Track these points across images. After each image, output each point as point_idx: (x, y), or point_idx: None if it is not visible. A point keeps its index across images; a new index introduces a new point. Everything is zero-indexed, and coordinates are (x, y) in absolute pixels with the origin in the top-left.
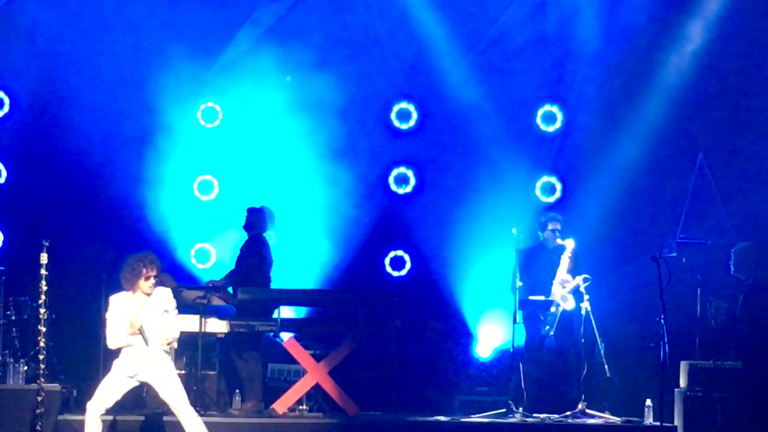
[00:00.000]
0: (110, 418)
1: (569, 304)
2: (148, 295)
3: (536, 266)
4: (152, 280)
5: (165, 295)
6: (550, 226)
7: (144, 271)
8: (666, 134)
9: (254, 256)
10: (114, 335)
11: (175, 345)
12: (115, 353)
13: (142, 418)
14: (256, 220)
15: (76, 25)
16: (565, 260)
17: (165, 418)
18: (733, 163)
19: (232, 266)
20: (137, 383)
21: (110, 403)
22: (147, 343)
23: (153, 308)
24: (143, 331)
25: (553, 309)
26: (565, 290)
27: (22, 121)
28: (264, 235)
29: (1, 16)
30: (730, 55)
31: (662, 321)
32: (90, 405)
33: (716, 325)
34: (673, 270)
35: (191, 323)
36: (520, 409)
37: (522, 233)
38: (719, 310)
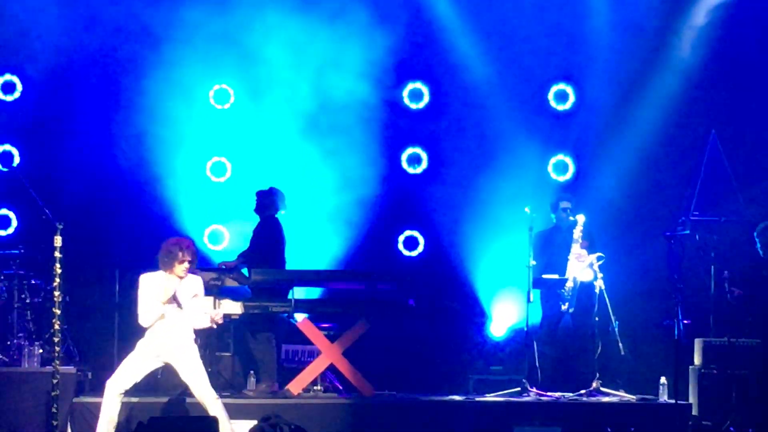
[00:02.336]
0: (132, 400)
1: (587, 276)
2: (181, 278)
3: (552, 247)
4: (186, 265)
5: (196, 282)
6: (561, 206)
7: (180, 254)
8: (678, 112)
9: (267, 238)
10: (146, 311)
11: (220, 321)
12: (133, 334)
13: (165, 400)
14: (266, 202)
15: (87, 7)
16: (577, 234)
17: (188, 400)
18: (746, 140)
19: (245, 247)
20: (160, 364)
21: (131, 383)
22: (181, 306)
23: (183, 291)
24: (177, 297)
25: (570, 284)
26: (582, 265)
27: (34, 105)
28: (276, 216)
29: (12, 1)
30: (743, 31)
31: (676, 298)
32: (110, 383)
33: (731, 300)
34: (687, 247)
35: (205, 305)
36: (535, 388)
37: (535, 212)
38: (732, 283)
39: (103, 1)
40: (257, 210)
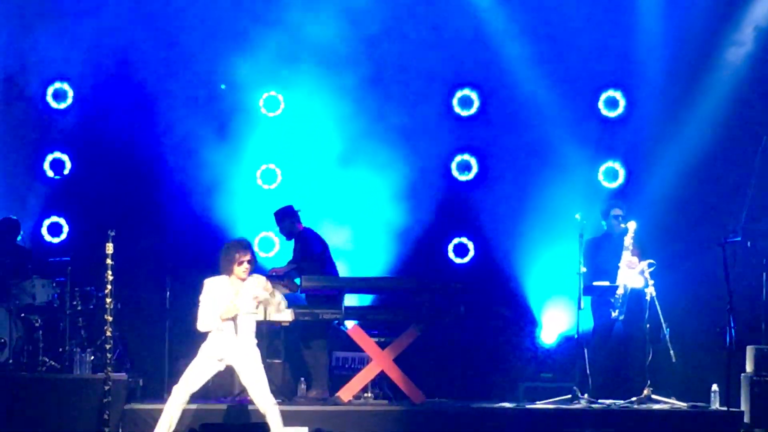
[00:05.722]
0: (194, 407)
1: (638, 282)
2: (243, 280)
3: (603, 255)
4: (245, 266)
5: (258, 283)
6: (612, 213)
7: (237, 256)
8: (730, 117)
9: (307, 252)
10: (205, 318)
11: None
12: (184, 341)
13: (215, 406)
14: (286, 225)
15: (138, 15)
16: (628, 241)
17: (238, 407)
18: None
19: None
20: (222, 367)
21: (196, 387)
22: (237, 333)
23: (246, 294)
24: (237, 323)
25: (620, 291)
26: (633, 272)
27: (86, 113)
28: (306, 227)
29: (64, 9)
30: None
31: (728, 305)
32: (176, 388)
33: None
34: (739, 254)
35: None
36: (585, 395)
37: (585, 218)
38: None
39: (153, 10)
40: (287, 237)
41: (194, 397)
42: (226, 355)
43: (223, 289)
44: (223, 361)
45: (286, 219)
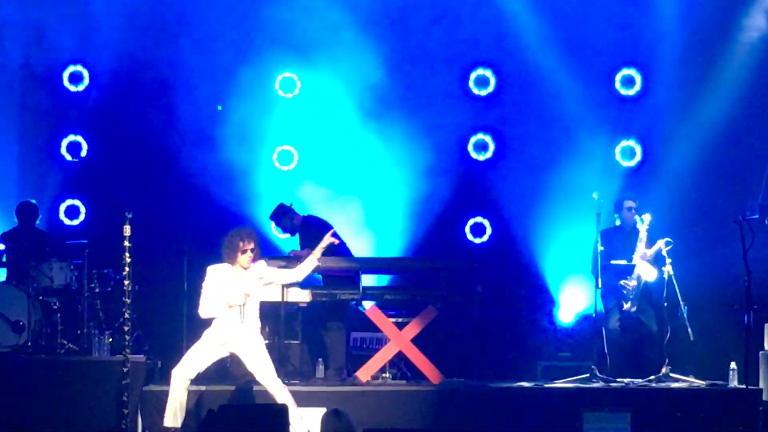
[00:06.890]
0: (202, 388)
1: (651, 275)
2: (246, 269)
3: (615, 248)
4: (249, 254)
5: (260, 268)
6: (625, 205)
7: (240, 244)
8: (747, 95)
9: (319, 238)
10: (208, 305)
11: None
12: (201, 323)
13: (234, 387)
14: (288, 220)
15: None
16: (643, 233)
17: (257, 387)
18: None
19: None
20: (226, 353)
21: (195, 372)
22: (243, 320)
23: (250, 283)
24: (243, 310)
25: (634, 283)
26: (648, 256)
27: (102, 95)
28: (305, 215)
29: None
30: None
31: (746, 283)
32: (175, 371)
33: None
34: (757, 232)
35: (274, 293)
36: (604, 374)
37: (603, 197)
38: None
39: None
40: (291, 233)
41: (212, 379)
42: (229, 341)
43: (226, 277)
44: (225, 346)
45: (285, 217)
